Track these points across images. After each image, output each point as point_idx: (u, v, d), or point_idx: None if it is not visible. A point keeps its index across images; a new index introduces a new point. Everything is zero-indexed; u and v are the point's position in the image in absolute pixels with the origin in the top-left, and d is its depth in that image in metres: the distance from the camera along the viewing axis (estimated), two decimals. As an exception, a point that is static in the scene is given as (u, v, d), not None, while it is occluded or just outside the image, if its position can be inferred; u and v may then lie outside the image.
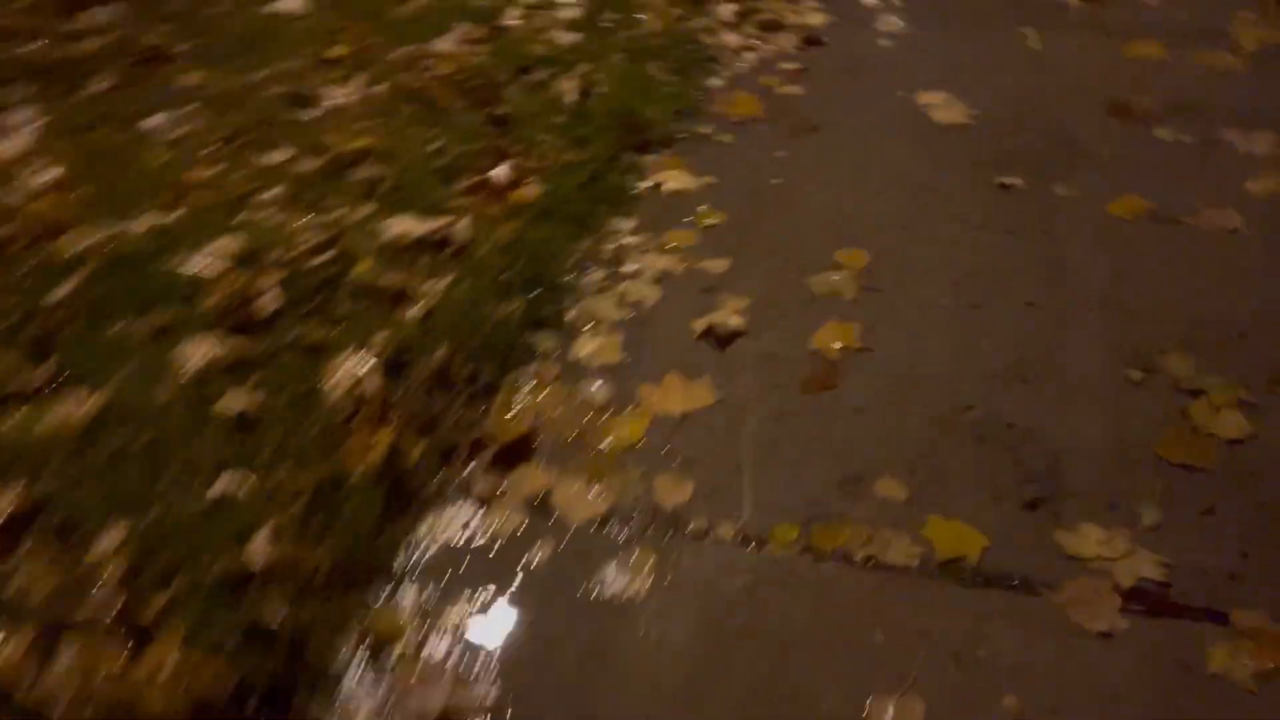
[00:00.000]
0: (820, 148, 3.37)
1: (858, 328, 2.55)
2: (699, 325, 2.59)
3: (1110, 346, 2.42)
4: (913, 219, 2.96)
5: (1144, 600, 1.86)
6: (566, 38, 3.90)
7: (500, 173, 3.04)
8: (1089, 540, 1.96)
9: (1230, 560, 1.91)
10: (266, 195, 2.91)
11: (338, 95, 3.49)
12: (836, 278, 2.74)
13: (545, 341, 2.56)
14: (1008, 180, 3.08)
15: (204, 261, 2.58)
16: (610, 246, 2.91)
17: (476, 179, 3.02)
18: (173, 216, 2.79)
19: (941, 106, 3.50)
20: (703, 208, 3.08)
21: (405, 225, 2.76)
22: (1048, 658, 1.79)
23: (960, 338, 2.50)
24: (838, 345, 2.50)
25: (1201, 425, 2.18)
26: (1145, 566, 1.89)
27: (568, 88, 3.52)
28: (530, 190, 3.00)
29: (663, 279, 2.78)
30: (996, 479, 2.11)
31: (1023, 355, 2.42)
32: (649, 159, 3.34)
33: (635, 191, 3.17)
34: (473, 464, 2.21)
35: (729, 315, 2.62)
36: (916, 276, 2.72)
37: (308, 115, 3.38)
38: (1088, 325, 2.50)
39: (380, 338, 2.37)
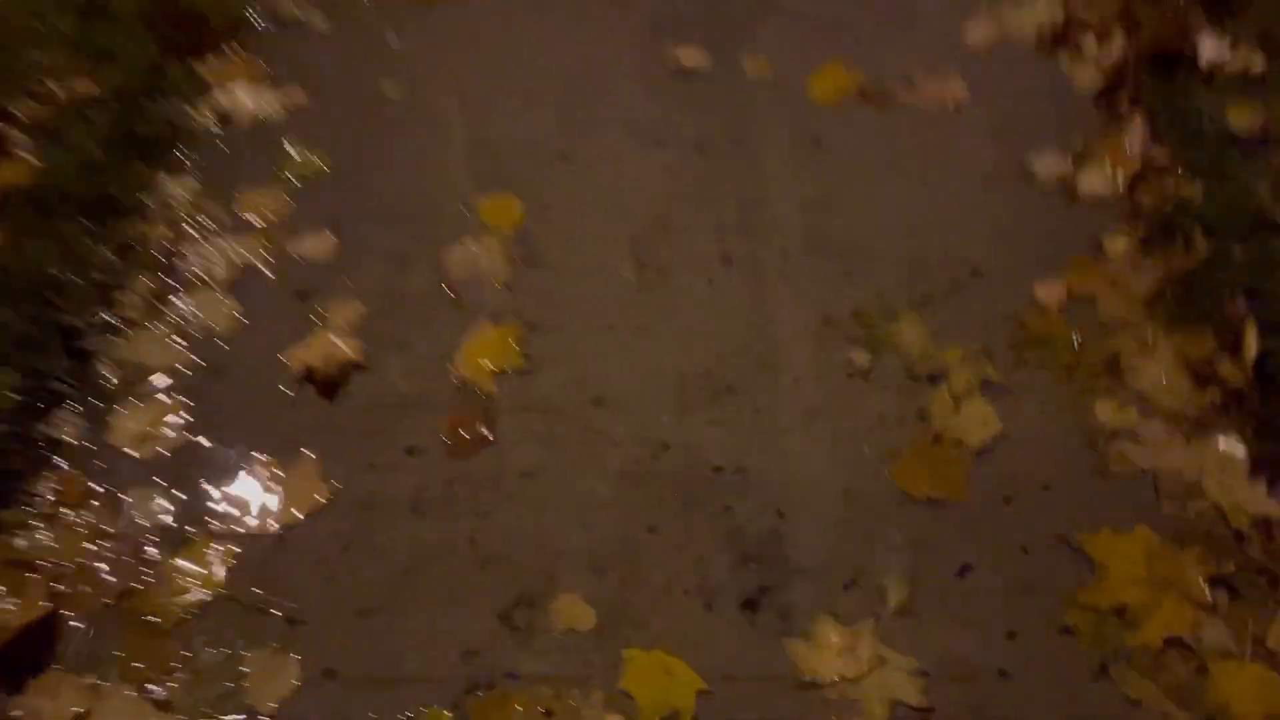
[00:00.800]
0: (447, 27, 2.53)
1: (516, 332, 1.89)
2: (295, 361, 1.84)
3: (826, 318, 1.90)
4: (575, 138, 2.25)
5: (903, 727, 1.45)
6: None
7: None
8: (826, 650, 1.50)
9: (997, 647, 1.52)
10: None
11: None
12: (481, 249, 2.03)
13: (66, 431, 1.74)
14: (688, 60, 2.41)
15: None
16: (157, 234, 2.04)
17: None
18: None
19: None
20: (292, 146, 2.23)
21: None
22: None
23: (646, 334, 1.90)
24: (491, 366, 1.85)
25: (945, 430, 1.74)
26: (899, 685, 1.47)
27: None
28: (17, 168, 2.03)
29: (238, 284, 1.98)
30: (707, 565, 1.60)
31: (723, 351, 1.86)
32: (209, 67, 2.39)
33: (190, 128, 2.25)
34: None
35: (337, 338, 1.88)
36: (585, 235, 2.06)
37: None
38: (796, 288, 1.96)
39: None
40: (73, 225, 1.96)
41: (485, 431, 1.76)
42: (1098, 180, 2.09)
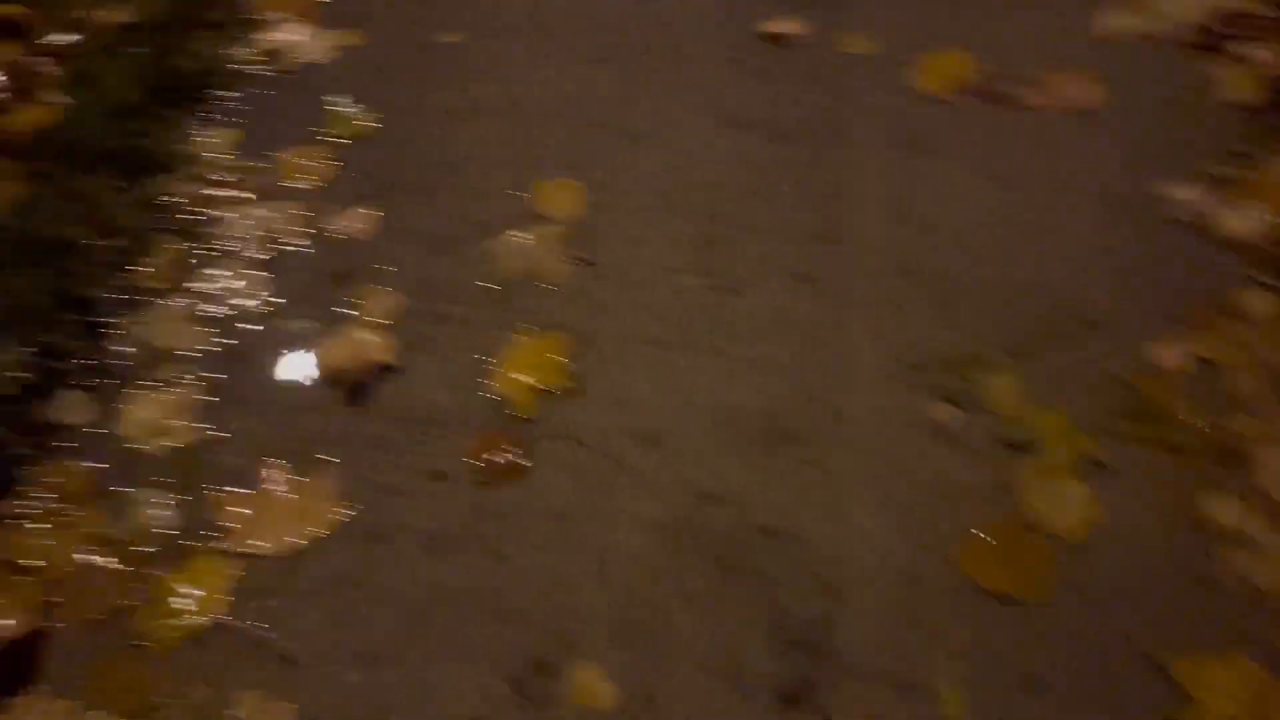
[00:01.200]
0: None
1: (563, 344, 1.72)
2: (323, 358, 1.70)
3: (908, 360, 1.69)
4: (645, 113, 2.02)
5: None
6: None
7: None
8: (869, 765, 1.35)
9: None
10: None
11: None
12: (533, 241, 1.84)
13: (72, 413, 1.63)
14: (780, 28, 2.14)
15: None
16: (187, 193, 1.88)
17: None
18: None
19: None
20: (340, 99, 2.04)
21: None
22: None
23: (705, 359, 1.71)
24: (534, 384, 1.68)
25: (1031, 512, 1.53)
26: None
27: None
28: (41, 111, 1.88)
29: (270, 259, 1.82)
30: (743, 645, 1.44)
31: (787, 390, 1.66)
32: (257, -1, 2.20)
33: (231, 68, 2.07)
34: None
35: (369, 334, 1.72)
36: (650, 233, 1.86)
37: None
38: (878, 319, 1.74)
39: None
40: (97, 179, 1.82)
41: (517, 459, 1.60)
42: (1243, 219, 1.81)
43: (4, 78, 1.82)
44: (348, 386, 1.67)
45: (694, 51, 2.12)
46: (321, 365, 1.68)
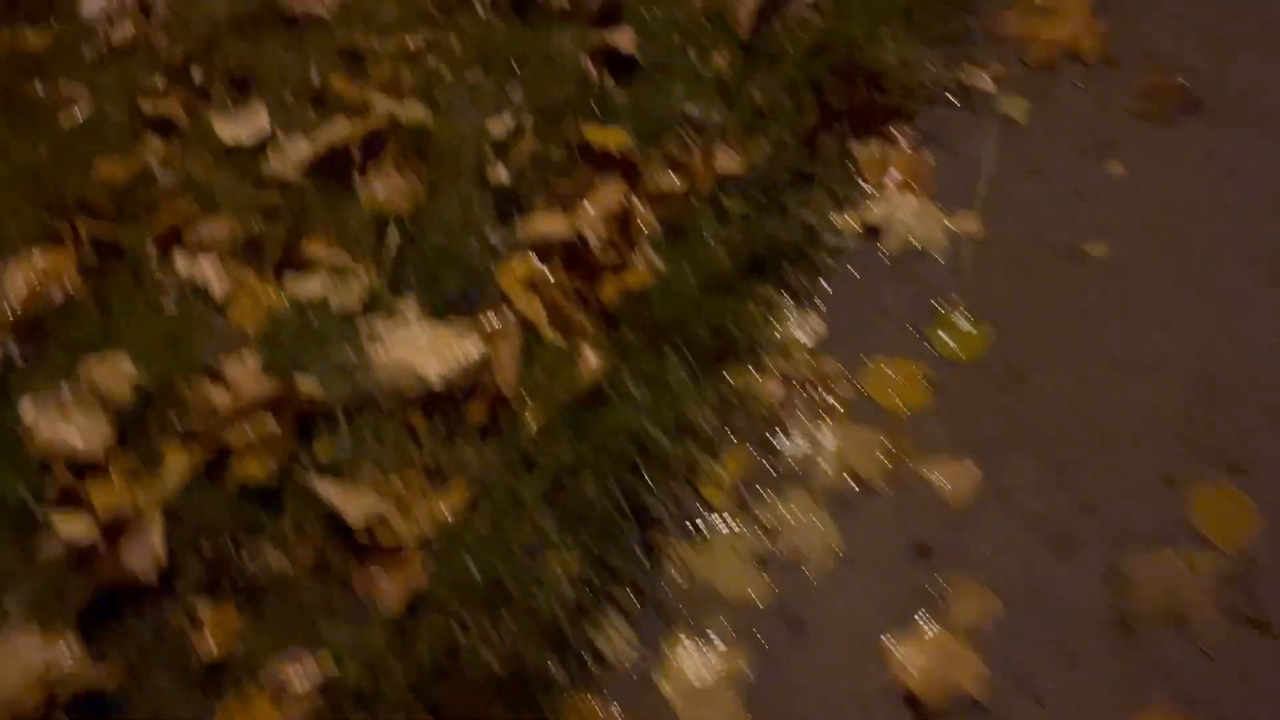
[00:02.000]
0: (1192, 161, 1.83)
1: (1211, 741, 1.29)
2: (904, 665, 1.39)
3: None
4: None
5: None
6: None
7: (598, 217, 1.74)
8: None
9: None
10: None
11: None
12: (1184, 570, 1.42)
13: (613, 647, 1.45)
14: None
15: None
16: (764, 394, 1.65)
17: (539, 230, 1.73)
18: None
19: None
20: (948, 301, 1.72)
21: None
22: None
23: None
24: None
25: None
26: None
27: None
28: (638, 274, 1.70)
29: (844, 501, 1.55)
30: None
31: None
32: (866, 151, 1.92)
33: (827, 241, 1.81)
34: None
35: (960, 645, 1.39)
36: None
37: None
38: None
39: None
40: (674, 361, 1.63)
41: None
42: None
43: (604, 228, 1.68)
44: (922, 713, 1.36)
45: None
46: (890, 668, 1.38)
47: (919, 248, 1.79)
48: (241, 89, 2.01)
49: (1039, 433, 1.57)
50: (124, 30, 2.10)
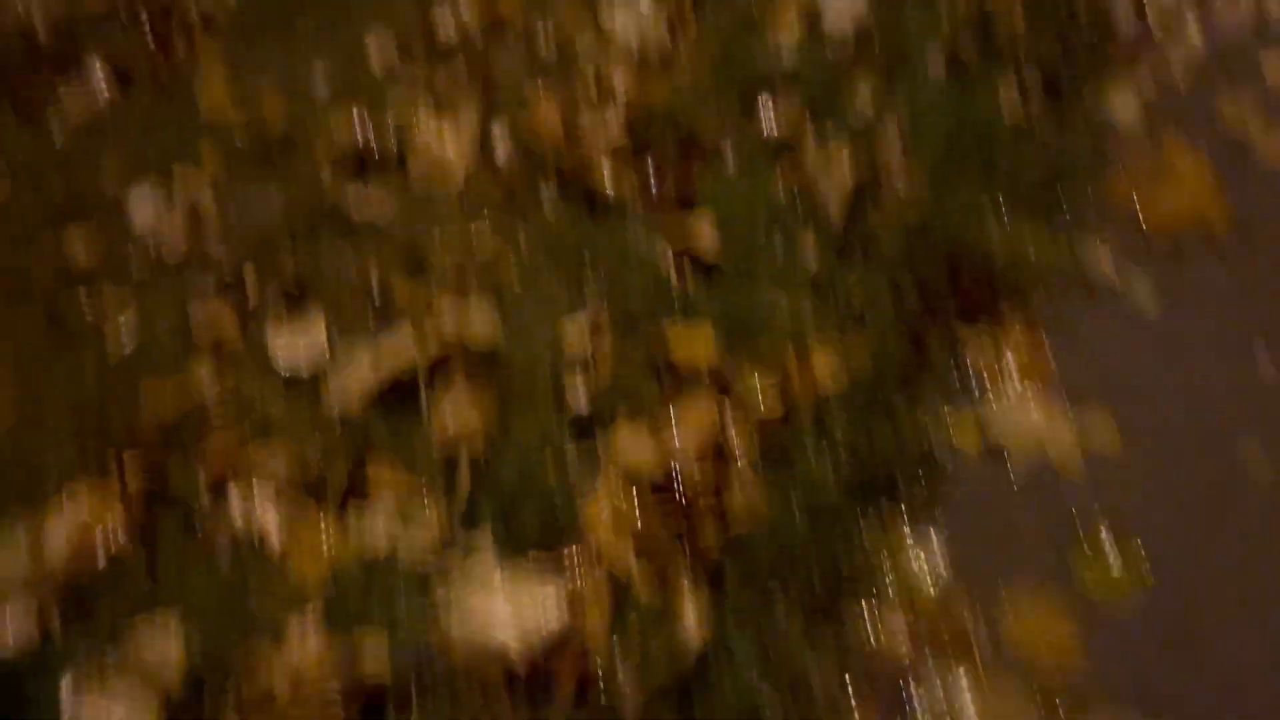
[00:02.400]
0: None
1: None
2: None
3: None
4: None
5: None
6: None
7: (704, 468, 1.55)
8: None
9: None
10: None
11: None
12: None
13: None
14: None
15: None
16: (882, 640, 1.45)
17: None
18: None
19: None
20: (1091, 526, 1.51)
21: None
22: None
23: None
24: None
25: None
26: None
27: (837, 169, 1.89)
28: (738, 510, 1.52)
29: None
30: None
31: None
32: (976, 340, 1.74)
33: (943, 456, 1.62)
34: None
35: None
36: None
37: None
38: None
39: None
40: (782, 608, 1.43)
41: None
42: None
43: (695, 453, 1.51)
44: None
45: None
46: None
47: (1048, 461, 1.59)
48: (298, 299, 1.89)
49: (1210, 689, 1.34)
50: (175, 241, 2.00)
